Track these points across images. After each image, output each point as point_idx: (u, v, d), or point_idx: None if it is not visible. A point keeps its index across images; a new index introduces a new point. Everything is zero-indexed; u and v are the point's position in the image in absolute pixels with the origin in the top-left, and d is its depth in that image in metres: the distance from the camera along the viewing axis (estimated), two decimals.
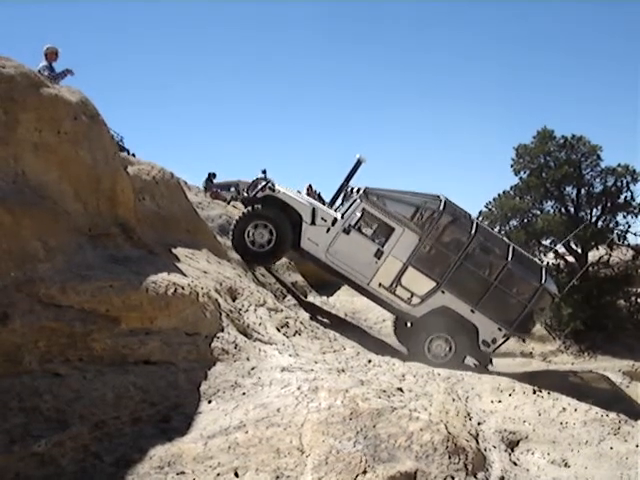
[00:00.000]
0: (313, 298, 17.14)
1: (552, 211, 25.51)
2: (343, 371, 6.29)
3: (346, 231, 13.29)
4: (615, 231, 24.63)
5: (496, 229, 25.69)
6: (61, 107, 6.79)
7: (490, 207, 25.63)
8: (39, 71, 13.43)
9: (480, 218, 25.56)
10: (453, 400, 6.13)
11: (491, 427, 6.10)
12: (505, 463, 5.58)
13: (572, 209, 25.39)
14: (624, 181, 24.80)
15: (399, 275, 13.36)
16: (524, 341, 17.36)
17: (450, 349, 13.53)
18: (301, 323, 8.22)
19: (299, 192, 14.48)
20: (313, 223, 13.22)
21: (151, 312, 5.85)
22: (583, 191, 25.33)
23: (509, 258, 13.71)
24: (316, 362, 6.51)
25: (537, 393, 7.15)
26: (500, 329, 13.76)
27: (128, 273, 6.10)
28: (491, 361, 14.86)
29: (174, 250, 8.34)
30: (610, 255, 24.78)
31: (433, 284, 13.50)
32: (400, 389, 5.99)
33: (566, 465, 5.87)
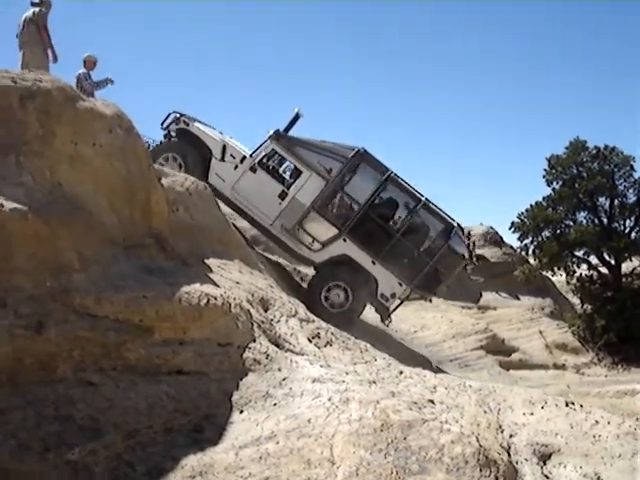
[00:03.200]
0: None
1: (585, 222, 25.40)
2: (374, 382, 6.28)
3: (253, 169, 13.38)
4: None
5: (529, 240, 25.58)
6: (96, 120, 6.89)
7: (522, 218, 25.56)
8: (78, 78, 13.65)
9: (512, 229, 25.45)
10: (485, 412, 6.09)
11: (523, 440, 6.05)
12: (537, 476, 5.53)
13: (605, 220, 25.24)
14: None
15: (302, 219, 13.39)
16: (430, 301, 16.83)
17: (347, 299, 13.43)
18: (332, 334, 8.22)
19: (220, 132, 14.44)
20: (222, 159, 13.35)
21: (184, 322, 5.90)
22: (616, 202, 25.18)
23: (416, 212, 13.70)
24: (347, 373, 6.50)
25: (569, 405, 7.08)
26: (401, 284, 13.72)
27: (161, 284, 6.15)
28: (389, 317, 14.73)
29: (207, 261, 8.39)
30: None
31: (335, 231, 13.49)
32: (431, 401, 5.97)
33: (599, 479, 5.81)
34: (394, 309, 14.72)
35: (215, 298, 6.30)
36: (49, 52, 12.00)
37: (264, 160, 13.70)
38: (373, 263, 13.58)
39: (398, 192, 14.09)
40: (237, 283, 8.16)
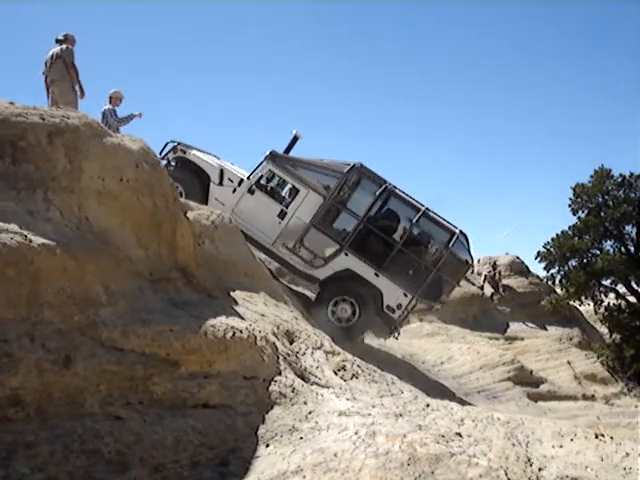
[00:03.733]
0: (370, 340, 17.06)
1: (612, 251, 25.21)
2: (401, 415, 6.24)
3: (251, 191, 13.57)
4: None
5: (555, 269, 25.42)
6: (123, 155, 6.98)
7: (549, 247, 25.43)
8: (104, 114, 13.85)
9: (538, 259, 25.33)
10: (513, 445, 6.02)
11: (552, 473, 5.96)
12: None
13: (632, 248, 25.03)
14: None
15: (302, 236, 13.53)
16: (436, 309, 16.62)
17: (354, 313, 13.53)
18: (358, 366, 8.19)
19: (217, 157, 14.68)
20: (221, 184, 13.53)
21: (210, 356, 5.92)
22: None
23: (415, 221, 13.76)
24: (373, 406, 6.47)
25: (599, 437, 6.98)
26: (406, 294, 13.75)
27: (187, 317, 6.18)
28: (398, 331, 14.72)
29: (232, 293, 8.42)
30: None
31: (337, 246, 13.62)
32: (459, 434, 5.92)
33: None
34: (401, 321, 14.74)
35: (241, 331, 6.32)
36: (77, 88, 12.18)
37: (261, 181, 13.92)
38: (376, 275, 13.67)
39: (398, 203, 14.24)
40: (262, 315, 8.18)
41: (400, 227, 14.12)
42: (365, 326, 13.98)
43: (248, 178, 13.80)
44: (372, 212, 13.94)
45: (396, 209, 14.26)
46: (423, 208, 14.08)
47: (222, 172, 13.65)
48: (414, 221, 13.90)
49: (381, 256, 13.76)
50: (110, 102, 14.37)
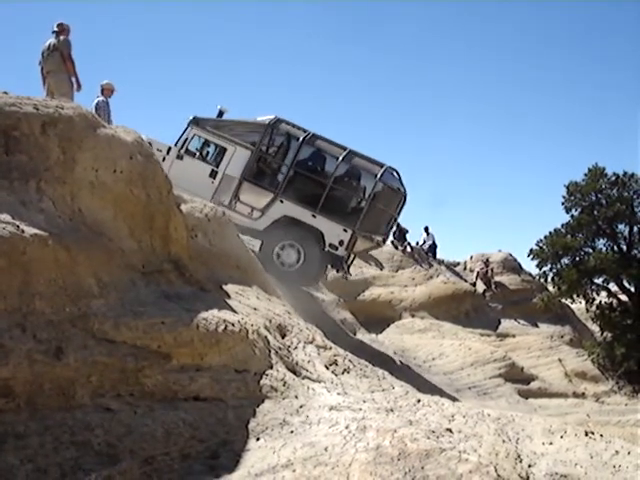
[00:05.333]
0: (362, 335, 17.10)
1: (604, 249, 25.25)
2: (392, 411, 6.25)
3: (180, 157, 14.08)
4: None
5: (547, 267, 25.46)
6: (117, 147, 6.96)
7: (541, 245, 25.45)
8: (97, 106, 13.80)
9: (531, 256, 25.37)
10: (503, 441, 6.03)
11: (542, 470, 5.98)
12: None
13: (625, 247, 25.08)
14: None
15: (236, 191, 14.02)
16: (380, 245, 16.69)
17: (299, 257, 13.75)
18: (350, 361, 8.19)
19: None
20: None
21: (201, 349, 5.91)
22: (636, 229, 25.04)
23: (342, 159, 14.24)
24: (364, 401, 6.47)
25: (589, 435, 7.00)
26: (345, 230, 14.17)
27: (179, 310, 6.17)
28: (347, 270, 15.08)
29: (225, 287, 8.41)
30: None
31: (271, 196, 14.10)
32: (449, 430, 5.93)
33: None
34: (350, 261, 15.43)
35: (232, 324, 6.31)
36: (73, 80, 12.14)
37: (189, 146, 14.41)
38: (314, 217, 14.14)
39: (323, 145, 14.84)
40: (255, 309, 8.17)
41: (329, 167, 14.61)
42: (314, 267, 14.36)
43: (175, 145, 14.30)
44: (300, 157, 14.52)
45: (322, 151, 14.81)
46: (348, 148, 14.68)
47: (149, 144, 13.90)
48: (340, 159, 14.37)
49: (315, 197, 14.24)
50: (102, 93, 14.32)
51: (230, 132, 14.64)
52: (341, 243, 14.17)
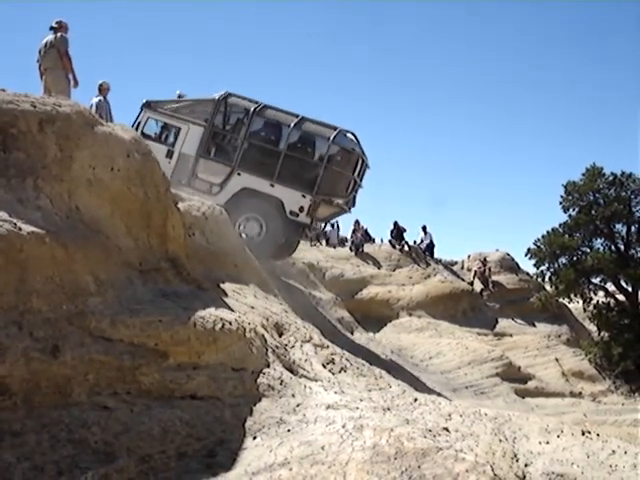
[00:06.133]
0: (359, 335, 17.10)
1: (602, 249, 25.29)
2: (388, 409, 6.25)
3: None
4: None
5: (545, 266, 25.49)
6: (114, 145, 6.95)
7: (539, 244, 25.49)
8: (98, 105, 13.80)
9: (529, 256, 25.41)
10: (500, 441, 6.03)
11: (538, 469, 5.98)
12: None
13: (622, 247, 25.12)
14: None
15: (193, 169, 14.25)
16: (344, 210, 16.75)
17: (262, 227, 14.02)
18: (347, 360, 8.20)
19: None
20: None
21: (198, 347, 5.91)
22: (633, 228, 25.08)
23: (294, 126, 14.44)
24: (361, 400, 6.48)
25: (586, 434, 7.01)
26: (304, 196, 14.37)
27: (177, 308, 6.17)
28: (311, 236, 15.28)
29: (222, 285, 8.41)
30: None
31: (228, 170, 14.26)
32: (446, 429, 5.93)
33: None
34: (313, 227, 15.50)
35: (230, 323, 6.31)
36: (70, 77, 12.13)
37: (143, 130, 14.49)
38: (272, 186, 14.32)
39: (275, 114, 14.99)
40: (252, 308, 8.17)
41: (282, 135, 14.73)
42: (277, 236, 14.54)
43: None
44: (253, 129, 14.68)
45: (274, 121, 14.93)
46: (300, 115, 14.90)
47: None
48: (292, 125, 14.56)
49: (271, 167, 14.43)
50: (100, 93, 14.35)
51: (183, 112, 14.84)
52: (301, 209, 14.34)
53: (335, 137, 14.52)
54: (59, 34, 12.08)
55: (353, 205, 16.36)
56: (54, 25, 12.18)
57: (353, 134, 15.30)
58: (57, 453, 4.70)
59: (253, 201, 14.23)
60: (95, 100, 14.11)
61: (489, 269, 27.36)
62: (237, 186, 14.33)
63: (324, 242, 28.34)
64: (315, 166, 14.60)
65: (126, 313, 5.75)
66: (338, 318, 17.87)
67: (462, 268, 28.76)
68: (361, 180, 15.92)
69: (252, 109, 14.66)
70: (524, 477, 5.69)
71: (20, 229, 5.29)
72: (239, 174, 14.33)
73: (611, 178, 24.88)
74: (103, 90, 14.36)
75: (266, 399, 6.01)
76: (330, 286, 21.12)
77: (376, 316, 22.46)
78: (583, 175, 25.26)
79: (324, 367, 7.69)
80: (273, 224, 14.20)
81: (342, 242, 27.94)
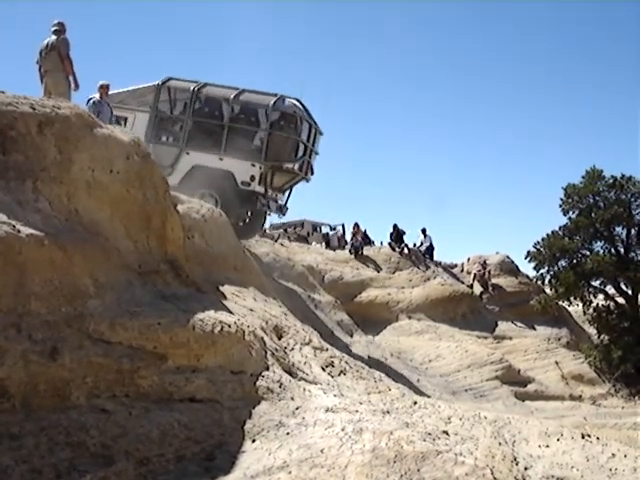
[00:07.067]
0: (359, 337, 17.06)
1: (602, 251, 25.24)
2: (388, 412, 6.24)
3: None
4: None
5: (545, 269, 25.47)
6: (114, 147, 6.95)
7: (539, 247, 25.46)
8: (94, 103, 13.74)
9: (528, 259, 25.37)
10: (499, 444, 6.02)
11: (538, 472, 5.97)
12: None
13: (622, 250, 25.09)
14: None
15: None
16: (300, 176, 16.72)
17: (217, 202, 14.25)
18: (346, 363, 8.19)
19: None
20: None
21: (197, 350, 5.90)
22: (633, 231, 25.05)
23: (234, 98, 14.74)
24: (361, 403, 6.47)
25: (585, 438, 6.99)
26: (253, 165, 14.58)
27: (176, 310, 6.16)
28: (269, 206, 15.36)
29: (221, 288, 8.41)
30: None
31: (177, 150, 14.52)
32: (446, 432, 5.92)
33: None
34: (270, 196, 15.53)
35: (229, 325, 6.30)
36: (71, 79, 12.11)
37: None
38: (221, 159, 14.60)
39: (215, 91, 15.38)
40: (251, 310, 8.17)
41: (224, 109, 15.11)
42: (233, 208, 14.65)
43: None
44: (195, 107, 14.99)
45: (215, 97, 15.35)
46: (240, 88, 15.16)
47: None
48: (232, 98, 14.84)
49: (218, 141, 14.72)
50: (100, 93, 14.29)
51: (129, 102, 15.15)
52: (252, 178, 14.55)
53: (275, 103, 14.78)
54: (60, 36, 12.06)
55: (311, 173, 16.47)
56: (55, 27, 12.16)
57: (298, 100, 15.51)
58: (55, 456, 4.69)
59: (205, 177, 14.37)
60: (94, 100, 14.04)
61: (489, 272, 27.33)
62: (187, 165, 14.58)
63: (324, 244, 28.36)
64: (259, 134, 14.93)
65: (125, 316, 5.74)
66: (337, 321, 17.85)
67: (462, 271, 28.71)
68: (313, 145, 16.08)
69: (192, 88, 14.94)
70: None
71: (19, 231, 5.28)
72: (188, 153, 14.61)
73: (611, 181, 24.86)
74: (104, 89, 14.29)
75: (265, 402, 6.00)
76: (329, 289, 21.09)
77: (375, 319, 22.42)
78: (583, 178, 25.25)
79: (323, 370, 7.69)
80: (227, 197, 14.36)
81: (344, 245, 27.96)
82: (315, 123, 15.72)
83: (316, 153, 16.23)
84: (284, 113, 15.05)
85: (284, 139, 15.07)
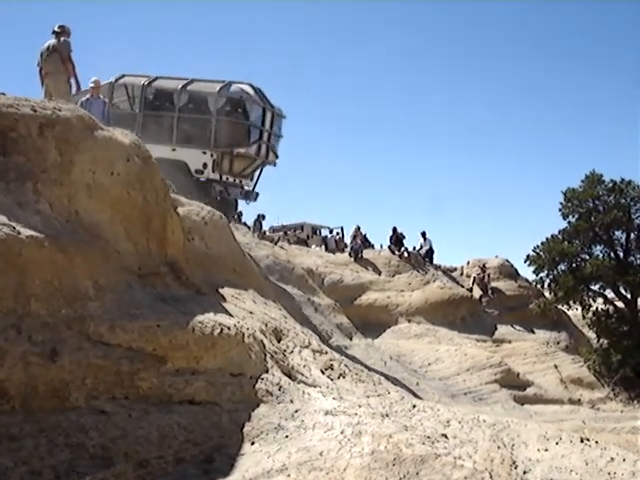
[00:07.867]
0: (358, 340, 17.06)
1: (601, 256, 25.23)
2: (387, 416, 6.24)
3: None
4: None
5: (544, 273, 25.45)
6: (114, 149, 6.96)
7: (538, 251, 25.44)
8: (82, 104, 13.67)
9: (528, 262, 25.34)
10: (498, 448, 6.02)
11: (537, 476, 5.97)
12: None
13: (621, 254, 25.07)
14: None
15: None
16: (260, 159, 16.92)
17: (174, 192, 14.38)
18: (345, 366, 8.19)
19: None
20: None
21: (197, 352, 5.90)
22: (632, 235, 25.04)
23: (182, 88, 14.99)
24: (360, 406, 6.47)
25: (584, 442, 6.99)
26: (204, 152, 14.86)
27: (175, 313, 6.16)
28: (227, 192, 15.44)
29: (221, 290, 8.41)
30: None
31: None
32: (444, 435, 5.92)
33: None
34: (227, 182, 15.74)
35: (228, 328, 6.30)
36: (72, 82, 12.11)
37: None
38: (173, 150, 14.76)
39: (165, 83, 15.64)
40: (251, 313, 8.16)
41: (173, 100, 15.37)
42: (192, 198, 14.68)
43: None
44: (146, 101, 15.32)
45: (164, 89, 15.62)
46: (191, 78, 15.35)
47: None
48: (180, 88, 15.13)
49: (169, 132, 14.97)
50: (92, 92, 14.20)
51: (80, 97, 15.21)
52: (205, 166, 14.89)
53: (220, 90, 15.04)
54: (62, 38, 12.05)
55: (275, 156, 16.46)
56: (57, 29, 12.15)
57: (250, 85, 15.62)
58: (55, 457, 4.70)
59: (160, 170, 14.43)
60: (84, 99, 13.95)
61: (488, 275, 27.31)
62: None
63: (323, 247, 28.35)
64: (208, 122, 15.12)
65: (125, 318, 5.75)
66: (337, 324, 17.85)
67: (461, 274, 28.68)
68: (271, 129, 16.07)
69: (142, 83, 15.27)
70: None
71: (19, 233, 5.29)
72: None
73: (610, 185, 24.84)
74: (96, 89, 14.18)
75: (264, 405, 6.00)
76: (329, 292, 21.09)
77: (375, 322, 22.41)
78: (582, 182, 25.23)
79: (323, 373, 7.69)
80: (182, 187, 14.41)
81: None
82: (271, 106, 15.76)
83: (278, 136, 16.29)
84: (230, 98, 15.30)
85: (232, 124, 15.36)
